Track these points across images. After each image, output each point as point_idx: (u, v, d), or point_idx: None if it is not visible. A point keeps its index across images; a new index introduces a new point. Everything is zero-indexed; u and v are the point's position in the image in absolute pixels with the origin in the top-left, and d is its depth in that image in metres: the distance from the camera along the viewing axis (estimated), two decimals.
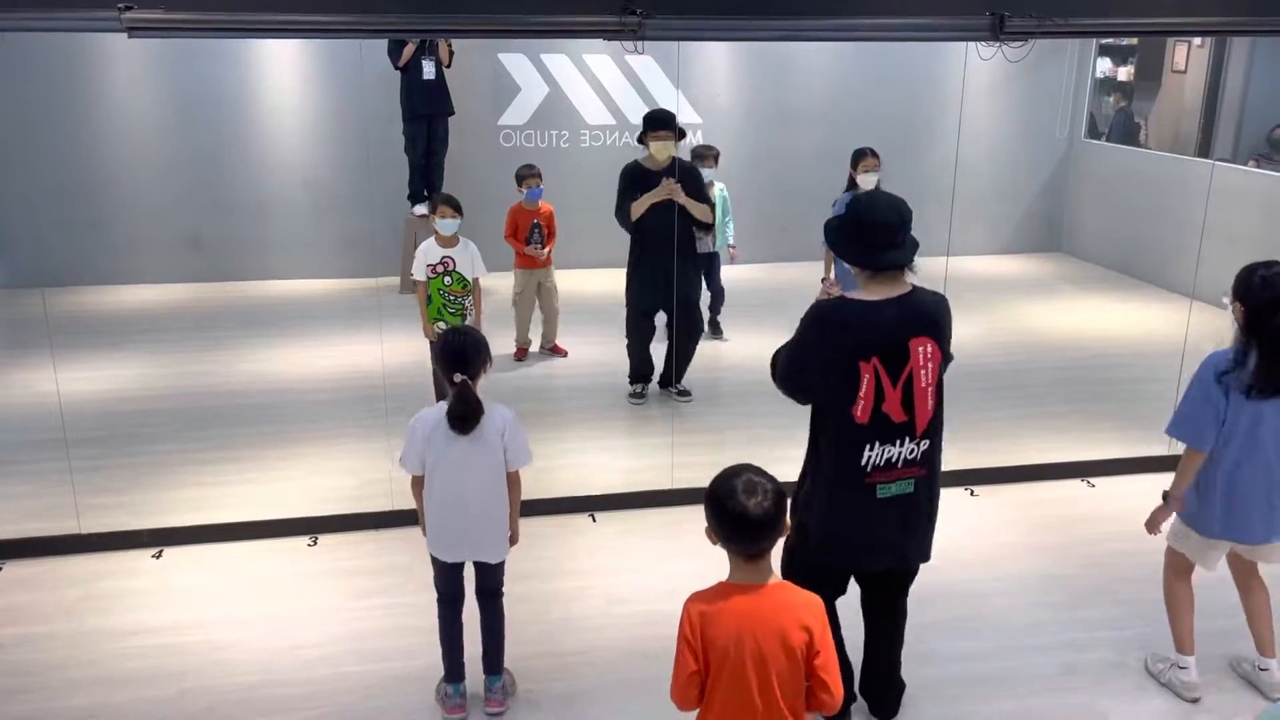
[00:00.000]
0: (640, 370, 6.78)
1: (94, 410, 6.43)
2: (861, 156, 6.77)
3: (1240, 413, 3.58)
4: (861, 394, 3.24)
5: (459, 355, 3.43)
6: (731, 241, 7.77)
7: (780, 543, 2.57)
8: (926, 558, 3.58)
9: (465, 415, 3.42)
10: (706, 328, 7.67)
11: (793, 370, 3.40)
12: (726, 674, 2.49)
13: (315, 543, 4.95)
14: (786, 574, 3.60)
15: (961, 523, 5.19)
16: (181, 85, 9.23)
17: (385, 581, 4.57)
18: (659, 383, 6.86)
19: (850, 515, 3.38)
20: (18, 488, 5.47)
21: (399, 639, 4.14)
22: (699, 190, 6.43)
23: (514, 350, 7.50)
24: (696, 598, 2.55)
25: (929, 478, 3.43)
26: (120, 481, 5.52)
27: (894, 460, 3.31)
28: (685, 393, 6.75)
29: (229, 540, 4.94)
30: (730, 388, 7.07)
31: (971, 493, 5.48)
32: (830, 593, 3.54)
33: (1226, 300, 3.71)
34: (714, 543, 2.56)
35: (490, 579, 3.75)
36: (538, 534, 5.01)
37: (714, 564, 2.67)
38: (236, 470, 5.68)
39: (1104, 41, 10.56)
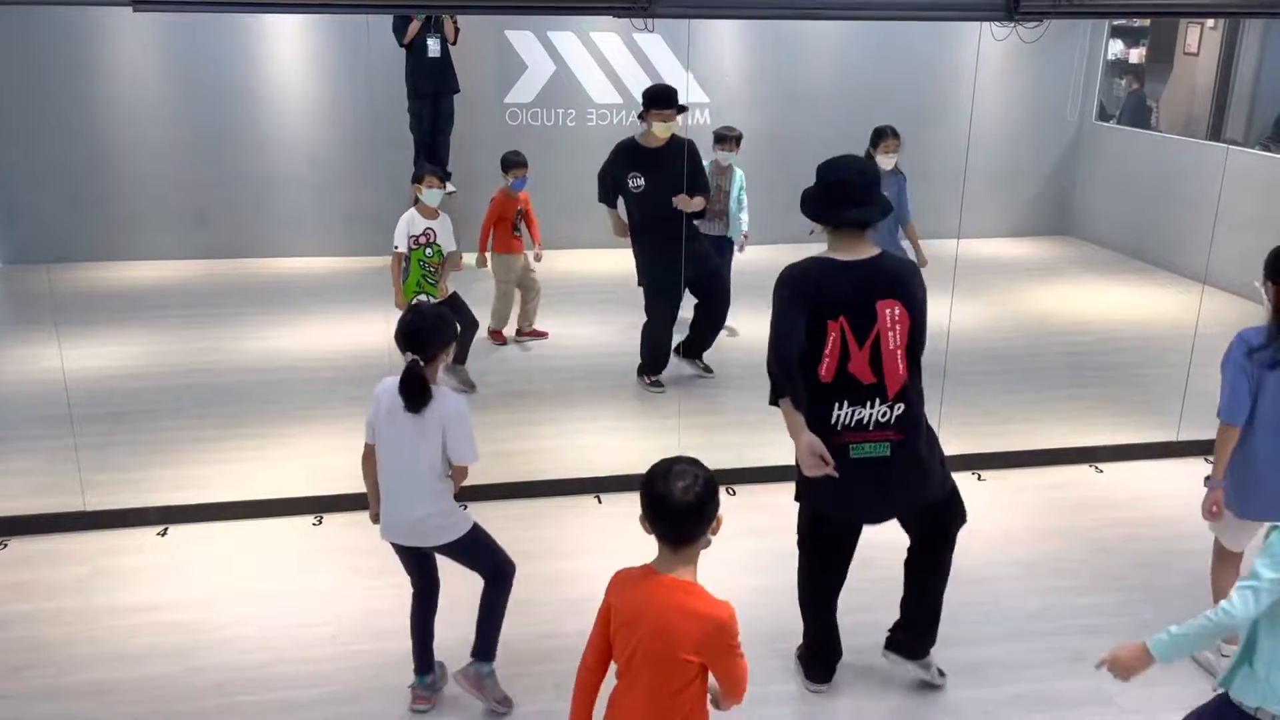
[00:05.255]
0: (659, 359, 6.63)
1: (99, 387, 6.42)
2: (882, 137, 6.60)
3: (1267, 390, 3.60)
4: (826, 352, 3.31)
5: (413, 336, 3.41)
6: (745, 229, 7.64)
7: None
8: (939, 495, 3.61)
9: (413, 393, 3.39)
10: None
11: (782, 336, 3.39)
12: (630, 651, 2.51)
13: (320, 522, 4.95)
14: (803, 545, 3.71)
15: (969, 507, 5.14)
16: (187, 61, 9.16)
17: (391, 560, 4.51)
18: (678, 351, 6.78)
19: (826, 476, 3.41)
20: (23, 464, 5.47)
21: (404, 618, 4.11)
22: (694, 170, 6.30)
23: (491, 333, 7.37)
24: (621, 572, 2.58)
25: (908, 443, 3.44)
26: (126, 459, 5.51)
27: (865, 422, 3.37)
28: (708, 369, 6.70)
29: (234, 518, 4.94)
30: (738, 369, 7.03)
31: (979, 477, 5.46)
32: (841, 557, 3.67)
33: (1259, 284, 3.70)
34: (647, 531, 2.53)
35: (473, 566, 3.66)
36: (543, 515, 5.01)
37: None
38: (242, 448, 5.67)
39: (1116, 23, 10.46)
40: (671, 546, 2.49)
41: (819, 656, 3.83)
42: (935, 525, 3.69)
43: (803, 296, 3.34)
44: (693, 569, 2.52)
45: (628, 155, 6.27)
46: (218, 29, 9.04)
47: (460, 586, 3.76)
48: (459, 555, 3.65)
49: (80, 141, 9.10)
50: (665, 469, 2.48)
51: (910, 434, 3.44)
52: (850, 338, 3.30)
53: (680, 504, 2.43)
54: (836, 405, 3.35)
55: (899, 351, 3.35)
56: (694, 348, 6.83)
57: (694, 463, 2.51)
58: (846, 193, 3.36)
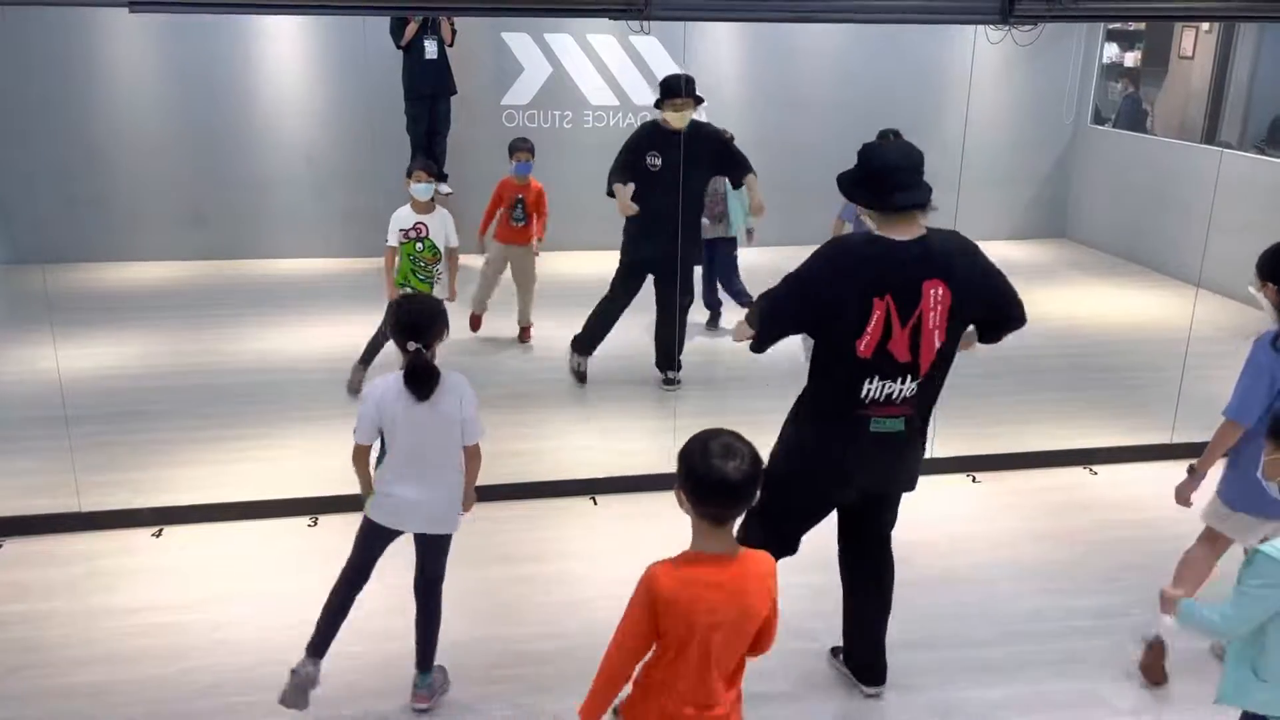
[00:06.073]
0: (592, 341, 6.65)
1: (95, 388, 6.41)
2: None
3: None
4: (869, 328, 3.26)
5: (413, 325, 3.45)
6: (747, 224, 7.60)
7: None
8: (912, 487, 3.65)
9: (424, 379, 3.43)
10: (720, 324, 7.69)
11: (790, 301, 3.37)
12: (688, 643, 2.47)
13: (315, 523, 4.94)
14: (761, 502, 3.56)
15: (964, 509, 5.19)
16: (184, 61, 9.16)
17: (385, 562, 4.51)
18: (657, 365, 6.79)
19: (841, 445, 3.42)
20: (18, 464, 5.47)
21: (399, 619, 4.12)
22: (729, 153, 6.31)
23: (469, 319, 7.37)
24: (664, 568, 2.50)
25: (918, 419, 3.47)
26: (121, 459, 5.51)
27: (893, 396, 3.36)
28: (673, 381, 6.60)
29: (230, 519, 4.94)
30: (731, 370, 7.04)
31: (974, 479, 5.47)
32: (799, 525, 3.62)
33: (1254, 289, 3.69)
34: (683, 507, 2.52)
35: (434, 562, 3.71)
36: (539, 516, 5.01)
37: None
38: (238, 449, 5.67)
39: (1111, 27, 10.48)
40: (718, 523, 2.48)
41: None
42: (876, 526, 3.70)
43: (842, 271, 3.29)
44: (729, 535, 2.51)
45: (650, 134, 6.28)
46: (215, 29, 9.03)
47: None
48: (432, 549, 3.69)
49: (77, 141, 9.09)
50: (709, 448, 2.44)
51: (922, 409, 3.47)
52: (895, 317, 3.27)
53: (736, 483, 2.41)
54: (868, 380, 3.32)
55: (937, 331, 3.33)
56: (661, 362, 6.74)
57: (736, 436, 2.49)
58: (895, 178, 3.31)
